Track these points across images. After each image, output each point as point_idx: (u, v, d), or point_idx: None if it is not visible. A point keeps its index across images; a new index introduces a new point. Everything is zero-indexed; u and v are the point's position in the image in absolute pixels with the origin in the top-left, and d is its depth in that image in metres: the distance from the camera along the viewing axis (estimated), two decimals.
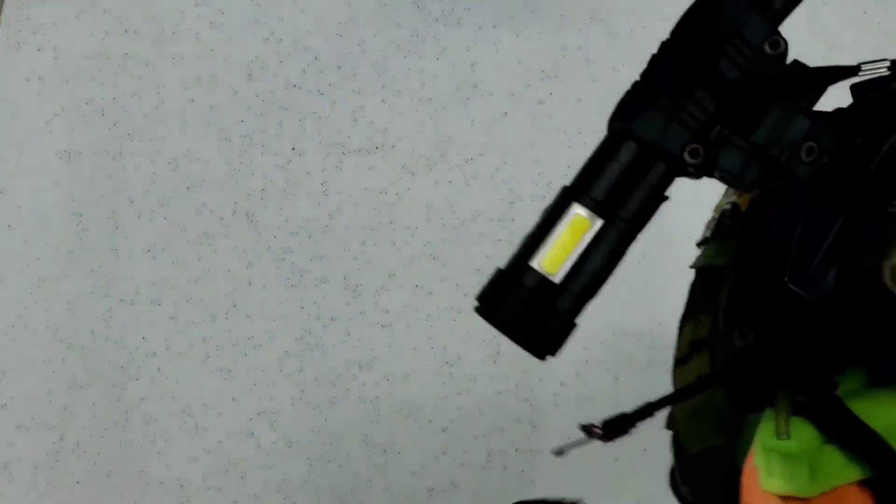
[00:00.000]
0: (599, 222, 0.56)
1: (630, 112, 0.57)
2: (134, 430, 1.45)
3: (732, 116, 0.56)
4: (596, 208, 0.56)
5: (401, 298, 1.46)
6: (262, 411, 1.45)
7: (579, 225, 0.56)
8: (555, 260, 0.56)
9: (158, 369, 1.45)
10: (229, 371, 1.45)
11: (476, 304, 0.57)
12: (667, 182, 0.57)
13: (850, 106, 0.61)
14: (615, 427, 0.56)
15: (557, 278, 0.55)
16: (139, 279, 1.46)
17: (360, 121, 1.49)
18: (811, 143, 0.56)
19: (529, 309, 0.55)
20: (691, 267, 0.75)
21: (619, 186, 0.56)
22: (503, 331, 0.56)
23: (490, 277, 0.57)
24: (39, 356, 1.45)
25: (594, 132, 0.60)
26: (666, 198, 0.57)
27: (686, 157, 0.56)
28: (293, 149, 1.48)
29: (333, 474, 1.47)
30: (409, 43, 1.50)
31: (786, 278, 0.56)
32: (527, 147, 1.49)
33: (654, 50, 0.58)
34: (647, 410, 0.59)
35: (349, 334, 1.47)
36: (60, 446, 1.44)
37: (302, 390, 1.46)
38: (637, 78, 0.58)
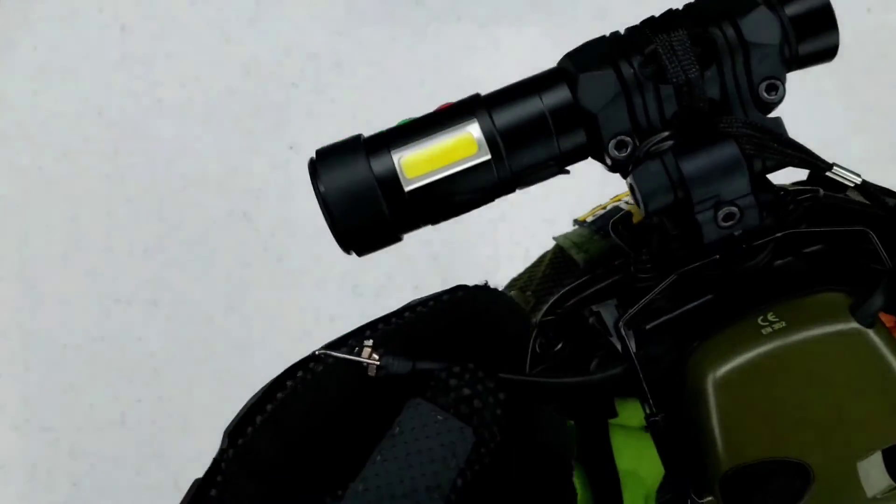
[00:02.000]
0: (485, 156, 0.47)
1: (586, 60, 0.48)
2: (130, 432, 1.44)
3: (679, 131, 0.48)
4: (490, 139, 0.47)
5: (400, 299, 1.45)
6: None
7: (464, 145, 0.47)
8: (418, 166, 0.47)
9: (154, 370, 1.44)
10: (226, 373, 1.44)
11: (313, 156, 0.49)
12: (576, 157, 0.49)
13: (806, 199, 0.51)
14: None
15: (408, 185, 0.47)
16: (135, 279, 1.45)
17: (359, 119, 1.48)
18: (734, 209, 0.47)
19: (361, 196, 0.47)
20: (554, 239, 0.67)
21: (525, 129, 0.48)
22: (320, 199, 0.48)
23: (344, 139, 0.49)
24: (35, 357, 1.44)
25: None
26: (566, 171, 0.49)
27: (611, 146, 0.47)
28: (291, 148, 1.48)
29: None
30: (409, 40, 1.50)
31: (620, 322, 0.48)
32: None
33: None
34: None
35: None
36: (56, 448, 1.43)
37: None
38: (620, 30, 0.50)
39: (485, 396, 0.44)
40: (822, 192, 0.51)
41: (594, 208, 0.66)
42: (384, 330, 0.48)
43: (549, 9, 1.50)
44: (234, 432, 0.46)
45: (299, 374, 0.47)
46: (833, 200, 0.51)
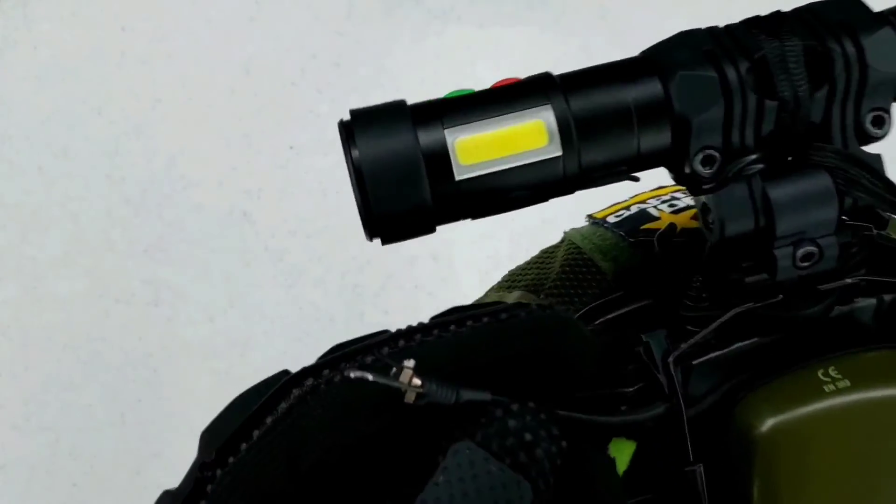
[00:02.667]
0: (555, 152, 0.40)
1: (684, 55, 0.41)
2: (130, 432, 1.44)
3: (771, 153, 0.42)
4: (564, 127, 0.40)
5: (400, 299, 1.45)
6: None
7: (533, 134, 0.40)
8: (475, 152, 0.39)
9: (154, 370, 1.44)
10: (226, 373, 1.44)
11: (347, 118, 0.41)
12: (652, 162, 0.42)
13: (866, 239, 0.46)
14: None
15: (461, 174, 0.39)
16: (135, 279, 1.45)
17: None
18: (815, 249, 0.42)
19: (403, 173, 0.39)
20: (566, 235, 0.58)
21: (606, 121, 0.40)
22: (353, 170, 0.40)
23: (386, 103, 0.41)
24: (34, 357, 1.44)
25: None
26: (636, 178, 0.43)
27: (696, 159, 0.41)
28: (291, 148, 1.48)
29: None
30: (409, 40, 1.49)
31: (671, 357, 0.42)
32: None
33: None
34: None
35: (348, 336, 1.46)
36: (56, 448, 1.43)
37: None
38: (718, 25, 0.42)
39: (547, 445, 0.36)
40: (875, 231, 0.46)
41: (614, 206, 0.58)
42: (421, 342, 0.40)
43: (550, 8, 1.50)
44: (225, 447, 0.37)
45: (309, 381, 0.39)
46: (885, 242, 0.47)
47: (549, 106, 0.40)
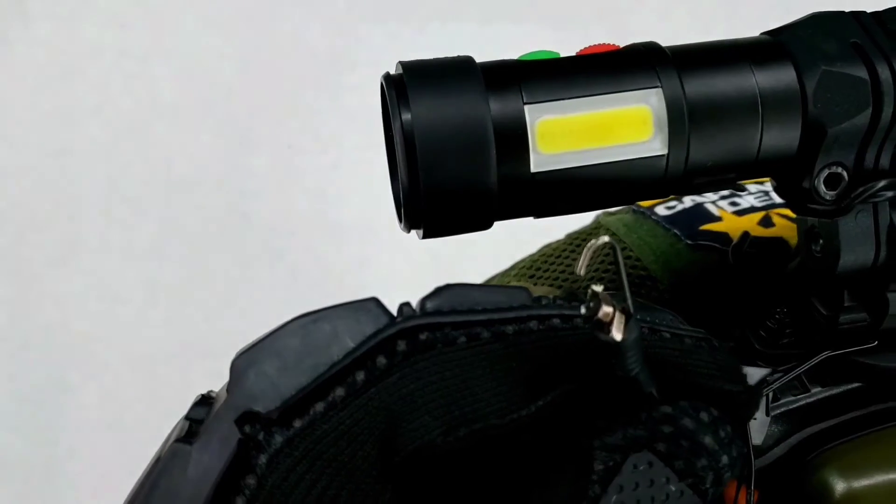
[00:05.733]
0: (659, 148, 0.31)
1: (826, 44, 0.33)
2: (128, 433, 1.43)
3: None
4: (675, 115, 0.31)
5: (400, 299, 1.44)
6: None
7: (635, 123, 0.31)
8: (559, 139, 0.31)
9: (152, 372, 1.43)
10: (226, 375, 1.43)
11: (397, 70, 0.34)
12: (769, 170, 0.34)
13: None
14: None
15: (539, 164, 0.31)
16: (133, 280, 1.44)
17: (358, 117, 1.47)
18: None
19: (466, 150, 0.30)
20: (601, 220, 0.49)
21: (726, 113, 0.32)
22: (403, 137, 0.32)
23: (451, 59, 0.33)
24: (33, 357, 1.43)
25: None
26: (742, 188, 0.37)
27: (820, 177, 0.34)
28: (289, 147, 1.47)
29: None
30: (409, 38, 1.49)
31: (744, 416, 0.35)
32: None
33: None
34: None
35: None
36: (54, 450, 1.43)
37: None
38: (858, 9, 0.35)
39: (736, 464, 0.30)
40: None
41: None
42: None
43: (550, 5, 1.49)
44: (295, 405, 0.27)
45: (423, 335, 0.30)
46: None
47: (658, 88, 0.32)
